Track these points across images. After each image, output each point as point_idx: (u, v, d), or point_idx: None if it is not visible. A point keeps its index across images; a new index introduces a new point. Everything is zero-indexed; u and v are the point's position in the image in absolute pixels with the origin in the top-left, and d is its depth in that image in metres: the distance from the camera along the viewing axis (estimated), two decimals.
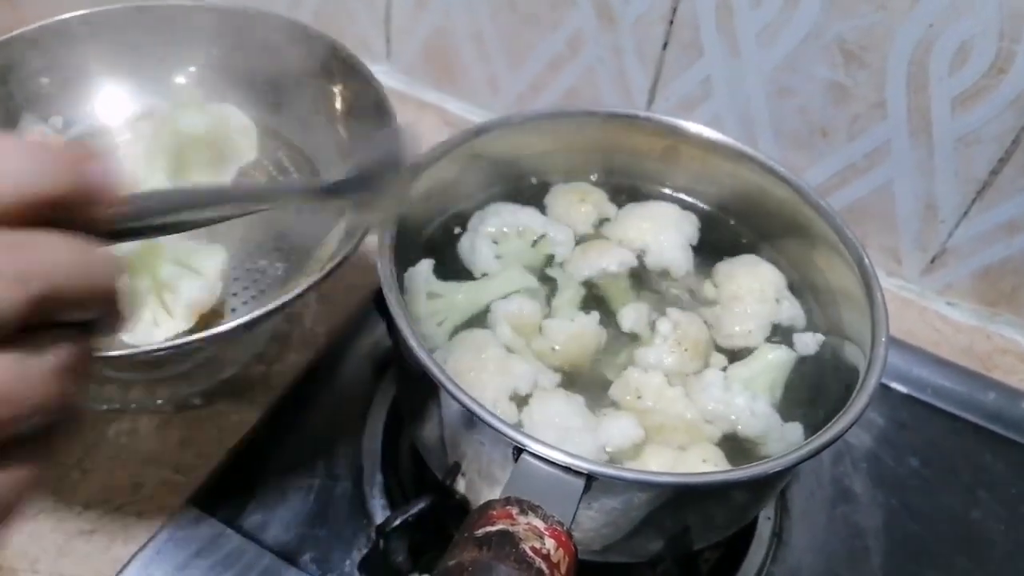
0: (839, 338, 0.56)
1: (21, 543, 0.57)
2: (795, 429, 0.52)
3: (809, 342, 0.56)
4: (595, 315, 0.56)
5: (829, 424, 0.46)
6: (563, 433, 0.47)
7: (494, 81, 0.90)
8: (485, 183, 0.62)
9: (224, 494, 0.61)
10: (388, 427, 0.66)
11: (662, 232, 0.61)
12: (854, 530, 0.64)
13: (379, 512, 0.61)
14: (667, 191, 0.65)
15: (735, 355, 0.56)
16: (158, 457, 0.62)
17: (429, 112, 0.95)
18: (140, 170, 0.60)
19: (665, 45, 0.78)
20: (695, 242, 0.62)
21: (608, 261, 0.59)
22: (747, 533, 0.62)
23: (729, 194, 0.63)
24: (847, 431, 0.45)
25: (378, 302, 0.48)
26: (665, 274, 0.60)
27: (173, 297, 0.55)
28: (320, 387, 0.68)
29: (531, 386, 0.51)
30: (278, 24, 0.64)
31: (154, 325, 0.54)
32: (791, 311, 0.58)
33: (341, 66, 0.63)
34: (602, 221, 0.63)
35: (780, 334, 0.57)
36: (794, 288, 0.59)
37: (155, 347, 0.49)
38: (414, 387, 0.51)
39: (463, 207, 0.62)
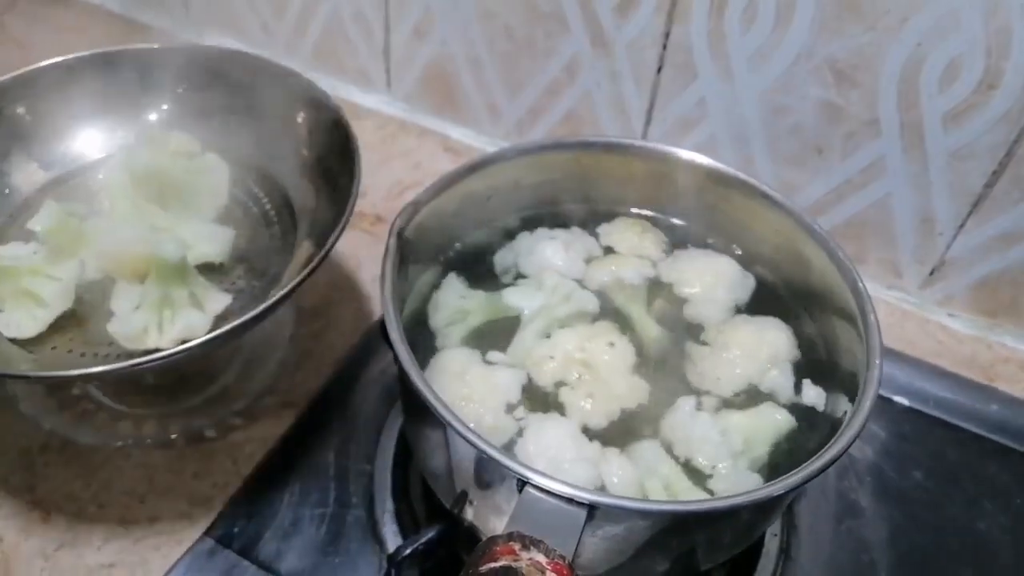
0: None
1: None
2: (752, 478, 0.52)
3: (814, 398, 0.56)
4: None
5: (828, 445, 0.47)
6: (557, 463, 0.48)
7: (494, 107, 0.92)
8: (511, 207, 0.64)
9: (239, 525, 0.62)
10: (399, 454, 0.67)
11: (714, 288, 0.60)
12: (860, 544, 0.65)
13: (391, 539, 0.62)
14: (660, 216, 0.66)
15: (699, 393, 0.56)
16: (173, 490, 0.63)
17: (430, 139, 0.96)
18: (115, 208, 0.64)
19: (659, 69, 0.79)
20: (743, 305, 0.61)
21: (627, 271, 0.60)
22: (754, 550, 0.63)
23: (724, 220, 0.64)
24: (845, 452, 0.46)
25: (384, 332, 0.49)
26: (698, 326, 0.60)
27: (171, 316, 0.57)
28: (331, 415, 0.69)
29: (519, 392, 0.53)
30: (242, 60, 0.68)
31: (144, 333, 0.57)
32: (777, 381, 0.56)
33: (303, 94, 0.67)
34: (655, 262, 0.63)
35: (752, 396, 0.56)
36: (818, 364, 0.58)
37: (140, 361, 0.50)
38: (419, 420, 0.52)
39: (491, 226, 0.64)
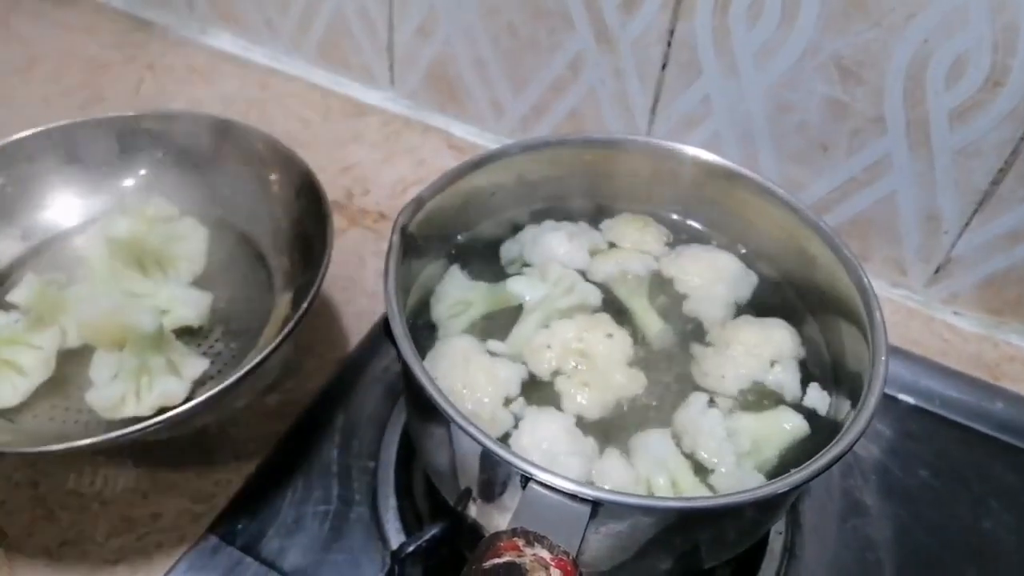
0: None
1: (46, 575, 0.59)
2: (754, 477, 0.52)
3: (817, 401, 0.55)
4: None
5: (834, 441, 0.46)
6: (553, 453, 0.48)
7: (498, 104, 0.92)
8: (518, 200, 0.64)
9: (242, 522, 0.62)
10: (402, 451, 0.67)
11: (714, 284, 0.60)
12: (865, 543, 0.65)
13: (394, 536, 0.61)
14: (664, 213, 0.65)
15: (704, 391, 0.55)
16: (176, 487, 0.63)
17: (434, 136, 0.96)
18: (94, 276, 0.66)
19: (664, 66, 0.79)
20: (744, 303, 0.60)
21: (631, 264, 0.60)
22: (759, 549, 0.63)
23: (728, 217, 0.64)
24: (850, 449, 0.46)
25: (387, 329, 0.49)
26: (697, 323, 0.59)
27: (148, 383, 0.59)
28: (334, 413, 0.69)
29: (518, 386, 0.53)
30: (214, 124, 0.71)
31: (121, 402, 0.59)
32: (781, 378, 0.55)
33: (273, 154, 0.69)
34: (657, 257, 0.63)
35: (761, 395, 0.55)
36: (822, 363, 0.57)
37: (116, 435, 0.52)
38: (423, 416, 0.52)
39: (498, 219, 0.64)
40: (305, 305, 0.58)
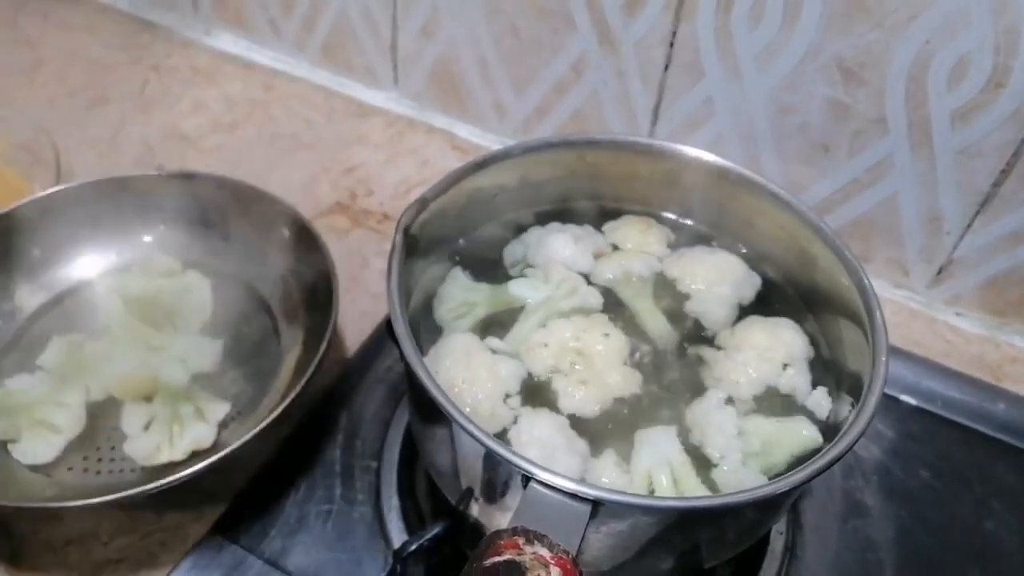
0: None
1: (52, 572, 0.59)
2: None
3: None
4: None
5: (833, 442, 0.47)
6: (549, 452, 0.49)
7: (501, 105, 0.92)
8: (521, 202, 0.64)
9: (246, 521, 0.62)
10: (404, 451, 0.67)
11: (717, 285, 0.60)
12: (866, 544, 0.65)
13: (397, 536, 0.62)
14: (666, 214, 0.66)
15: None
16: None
17: (437, 136, 0.97)
18: (112, 332, 0.70)
19: (666, 67, 0.79)
20: (747, 303, 0.60)
21: (635, 265, 0.60)
22: (760, 548, 0.63)
23: (730, 219, 0.64)
24: (851, 449, 0.46)
25: (390, 329, 0.50)
26: (701, 324, 0.59)
27: (180, 430, 0.64)
28: (337, 413, 0.70)
29: (518, 384, 0.54)
30: (227, 185, 0.75)
31: (157, 450, 0.63)
32: (794, 381, 0.56)
33: (282, 215, 0.73)
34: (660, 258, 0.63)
35: (773, 398, 0.55)
36: (823, 364, 0.58)
37: (162, 483, 0.57)
38: (425, 416, 0.52)
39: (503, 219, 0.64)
40: (323, 346, 0.63)
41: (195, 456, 0.63)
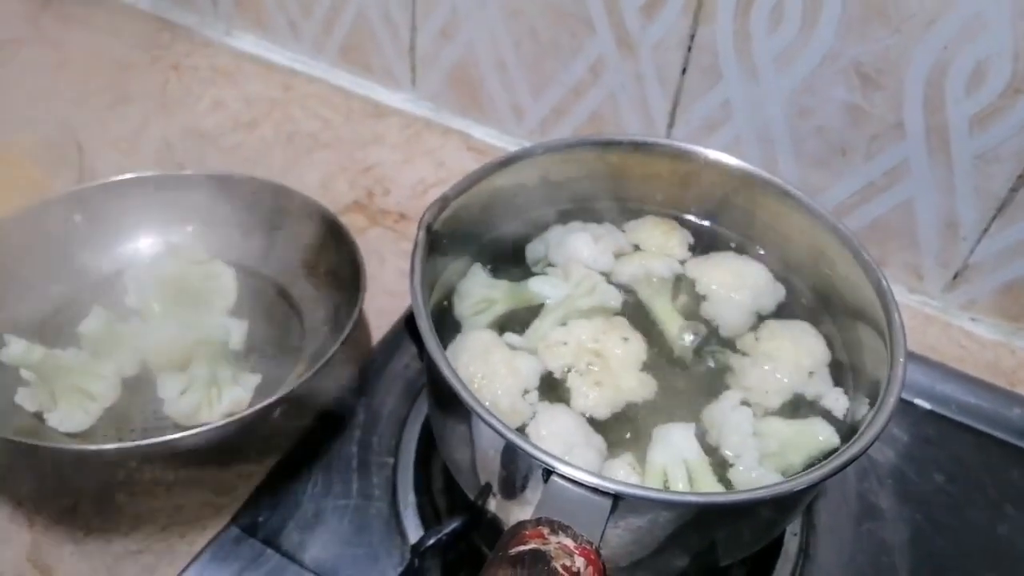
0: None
1: (72, 563, 0.60)
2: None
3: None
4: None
5: (851, 441, 0.47)
6: (568, 447, 0.49)
7: (518, 107, 0.93)
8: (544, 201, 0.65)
9: (263, 514, 0.63)
10: (421, 447, 0.67)
11: (737, 291, 0.60)
12: (880, 546, 0.65)
13: (413, 531, 0.62)
14: (684, 215, 0.66)
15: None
16: (199, 479, 0.64)
17: (454, 138, 0.97)
18: (147, 311, 0.73)
19: (684, 70, 0.79)
20: (767, 313, 0.60)
21: (656, 266, 0.61)
22: (774, 549, 0.63)
23: (748, 220, 0.64)
24: (868, 448, 0.46)
25: (410, 326, 0.50)
26: (720, 329, 0.60)
27: (218, 393, 0.66)
28: (355, 409, 0.70)
29: (537, 380, 0.54)
30: (261, 185, 0.78)
31: (196, 411, 0.66)
32: (819, 388, 0.56)
33: (311, 213, 0.76)
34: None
35: (800, 405, 0.56)
36: (839, 367, 0.58)
37: (201, 429, 0.59)
38: (445, 410, 0.53)
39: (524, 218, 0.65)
40: (356, 311, 0.65)
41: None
